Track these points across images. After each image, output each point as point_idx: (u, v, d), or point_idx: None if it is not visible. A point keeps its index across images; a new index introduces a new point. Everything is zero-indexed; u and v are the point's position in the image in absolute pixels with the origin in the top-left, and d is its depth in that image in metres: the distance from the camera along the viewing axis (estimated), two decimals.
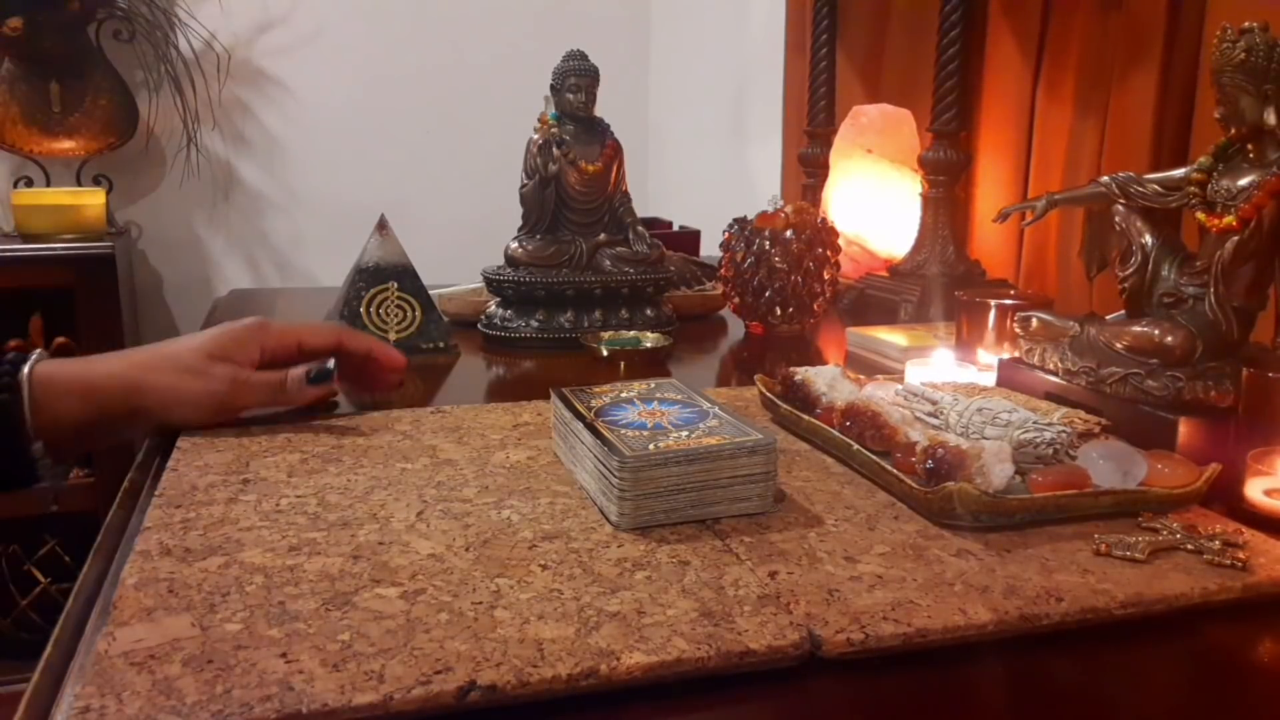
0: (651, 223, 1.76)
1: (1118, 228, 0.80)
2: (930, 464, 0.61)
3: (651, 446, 0.59)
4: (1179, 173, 0.78)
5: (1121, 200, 0.80)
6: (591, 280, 1.11)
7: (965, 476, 0.59)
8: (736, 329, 1.24)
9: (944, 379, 0.83)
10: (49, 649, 0.46)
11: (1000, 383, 0.84)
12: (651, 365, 1.03)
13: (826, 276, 1.18)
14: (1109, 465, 0.62)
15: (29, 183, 2.15)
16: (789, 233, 1.16)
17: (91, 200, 2.03)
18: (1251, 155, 0.73)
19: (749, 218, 1.20)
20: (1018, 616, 0.48)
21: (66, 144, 2.12)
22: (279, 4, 2.29)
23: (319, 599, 0.48)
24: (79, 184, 2.16)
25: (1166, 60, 1.06)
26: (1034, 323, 0.82)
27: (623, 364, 1.03)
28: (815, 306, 1.19)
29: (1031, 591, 0.50)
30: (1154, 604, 0.50)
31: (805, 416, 0.75)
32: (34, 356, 0.71)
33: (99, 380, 0.71)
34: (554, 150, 1.11)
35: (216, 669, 0.41)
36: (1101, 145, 1.15)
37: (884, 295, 1.32)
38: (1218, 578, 0.52)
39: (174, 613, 0.46)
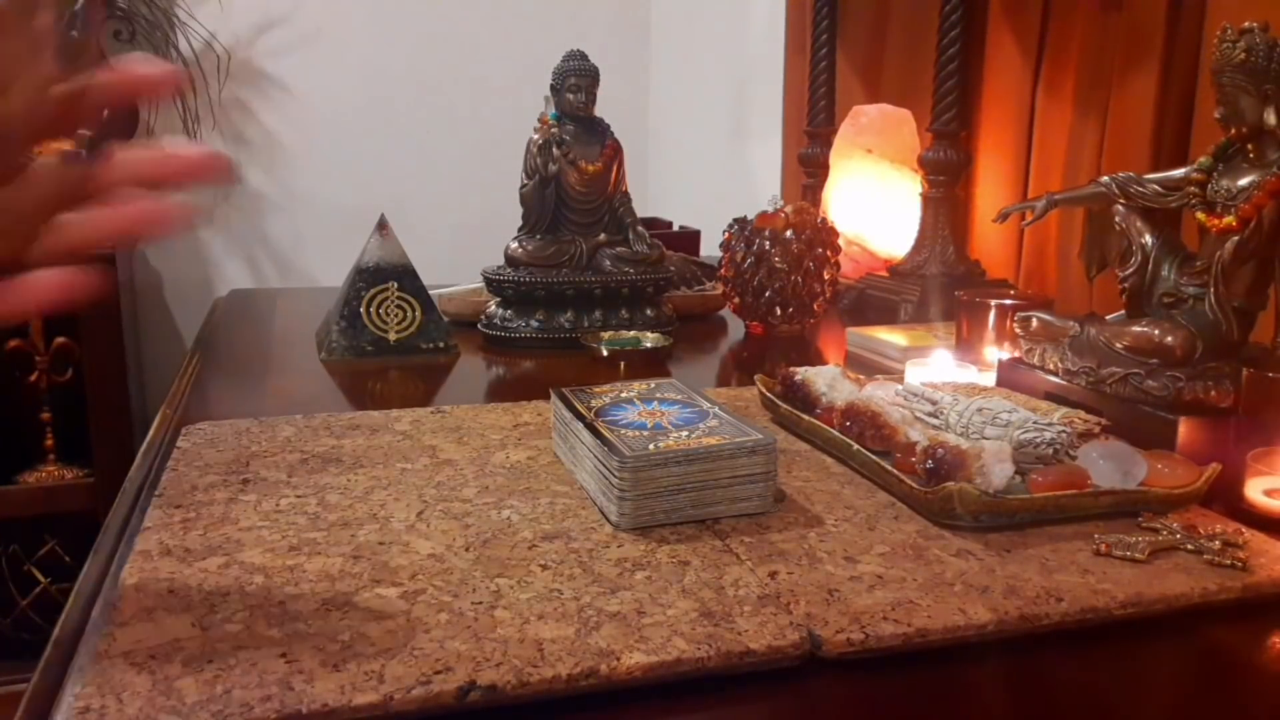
0: (651, 223, 1.76)
1: (1118, 228, 0.80)
2: (930, 464, 0.61)
3: (651, 446, 0.59)
4: (1179, 173, 0.78)
5: (1121, 200, 0.80)
6: (591, 280, 1.11)
7: (965, 476, 0.59)
8: (736, 329, 1.24)
9: (944, 379, 0.83)
10: (49, 649, 0.46)
11: (1000, 383, 0.84)
12: (651, 365, 1.03)
13: (826, 276, 1.18)
14: (1109, 465, 0.62)
15: None
16: (789, 233, 1.16)
17: None
18: (1251, 155, 0.73)
19: (749, 218, 1.19)
20: (1018, 616, 0.48)
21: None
22: (279, 4, 2.29)
23: (319, 599, 0.48)
24: None
25: (1166, 60, 1.06)
26: (1034, 323, 0.82)
27: (623, 364, 1.03)
28: (815, 306, 1.19)
29: (1031, 591, 0.50)
30: (1154, 604, 0.50)
31: (805, 416, 0.75)
32: None
33: None
34: (554, 150, 1.11)
35: (216, 669, 0.41)
36: (1101, 145, 1.15)
37: (884, 295, 1.32)
38: (1218, 578, 0.52)
39: (174, 613, 0.46)
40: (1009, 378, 0.84)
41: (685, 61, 2.42)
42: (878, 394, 0.74)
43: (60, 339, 1.89)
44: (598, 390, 0.70)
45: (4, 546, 1.91)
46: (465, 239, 1.92)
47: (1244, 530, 0.58)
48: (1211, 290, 0.73)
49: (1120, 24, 1.12)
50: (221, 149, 2.31)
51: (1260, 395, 0.67)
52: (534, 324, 1.11)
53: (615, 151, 1.15)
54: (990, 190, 1.35)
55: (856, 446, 0.67)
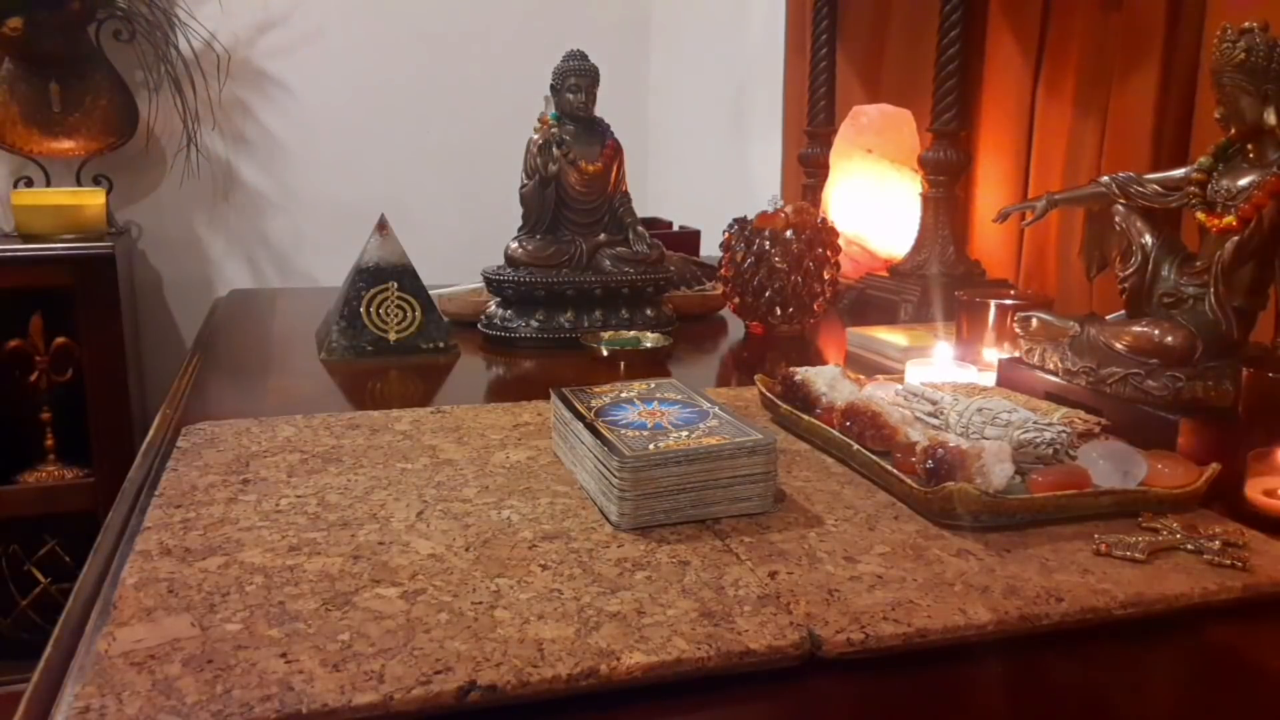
0: (651, 223, 1.76)
1: (1118, 228, 0.80)
2: (930, 464, 0.61)
3: (651, 446, 0.59)
4: (1179, 173, 0.78)
5: (1121, 200, 0.80)
6: (592, 280, 1.11)
7: (965, 476, 0.59)
8: (736, 329, 1.24)
9: (944, 379, 0.83)
10: (49, 649, 0.46)
11: (1000, 383, 0.84)
12: (651, 365, 1.03)
13: (826, 276, 1.18)
14: (1109, 465, 0.62)
15: (29, 183, 2.14)
16: (789, 233, 1.16)
17: (91, 200, 2.03)
18: (1251, 155, 0.73)
19: (749, 218, 1.19)
20: (1018, 616, 0.48)
21: (66, 144, 2.12)
22: (279, 4, 2.28)
23: (319, 599, 0.48)
24: (79, 184, 2.15)
25: (1166, 60, 1.06)
26: (1034, 323, 0.82)
27: (623, 364, 1.03)
28: (815, 306, 1.19)
29: (1031, 591, 0.50)
30: (1154, 604, 0.50)
31: (805, 416, 0.75)
32: None
33: None
34: (554, 150, 1.11)
35: (216, 669, 0.41)
36: (1101, 145, 1.15)
37: (884, 295, 1.32)
38: (1218, 578, 0.52)
39: (174, 613, 0.46)
40: (1009, 378, 0.84)
41: (685, 61, 2.42)
42: (878, 394, 0.74)
43: (60, 339, 1.89)
44: (598, 390, 0.70)
45: (4, 546, 1.91)
46: (465, 239, 1.92)
47: (1244, 530, 0.58)
48: (1211, 290, 0.73)
49: (1120, 24, 1.12)
50: (221, 149, 2.31)
51: (1260, 395, 0.67)
52: (534, 324, 1.11)
53: (615, 151, 1.15)
54: (990, 190, 1.35)
55: (856, 446, 0.67)
